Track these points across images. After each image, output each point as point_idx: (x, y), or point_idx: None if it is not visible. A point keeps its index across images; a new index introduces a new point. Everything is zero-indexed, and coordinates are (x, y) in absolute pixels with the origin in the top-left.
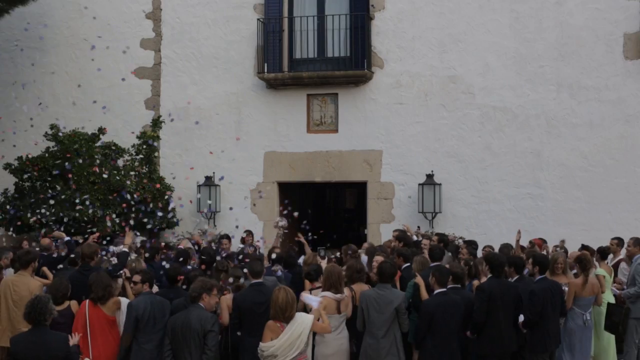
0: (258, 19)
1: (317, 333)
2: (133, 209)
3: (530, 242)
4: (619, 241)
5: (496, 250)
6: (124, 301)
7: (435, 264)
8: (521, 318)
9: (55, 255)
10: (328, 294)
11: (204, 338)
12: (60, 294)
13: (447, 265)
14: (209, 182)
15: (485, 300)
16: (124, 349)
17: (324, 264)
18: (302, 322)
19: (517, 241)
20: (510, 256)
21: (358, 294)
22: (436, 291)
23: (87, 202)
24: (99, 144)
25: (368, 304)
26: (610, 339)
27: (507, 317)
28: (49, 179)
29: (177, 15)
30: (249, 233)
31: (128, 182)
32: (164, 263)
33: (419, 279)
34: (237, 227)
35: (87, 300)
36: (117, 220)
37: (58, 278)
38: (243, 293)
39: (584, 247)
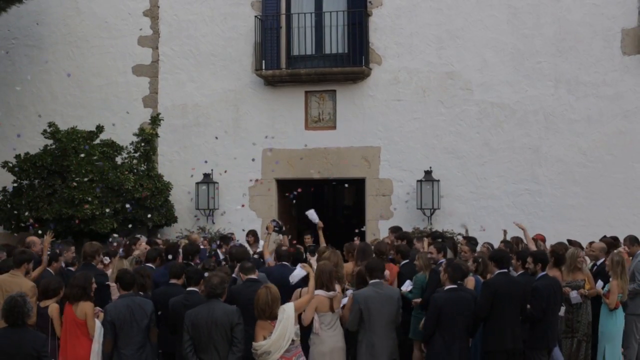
0: (256, 16)
1: (312, 332)
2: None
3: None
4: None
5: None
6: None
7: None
8: None
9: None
10: (320, 292)
11: (232, 331)
12: (51, 287)
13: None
14: (207, 179)
15: (491, 296)
16: (106, 355)
17: (313, 261)
18: (288, 312)
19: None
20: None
21: None
22: (447, 287)
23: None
24: (97, 141)
25: (368, 304)
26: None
27: (514, 313)
28: (46, 177)
29: (174, 12)
30: (253, 233)
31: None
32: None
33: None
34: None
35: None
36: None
37: (52, 275)
38: (237, 289)
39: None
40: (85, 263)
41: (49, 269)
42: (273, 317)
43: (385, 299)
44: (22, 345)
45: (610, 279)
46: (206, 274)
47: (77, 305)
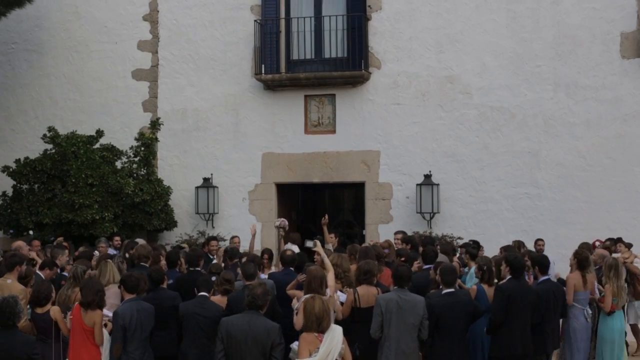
0: (255, 21)
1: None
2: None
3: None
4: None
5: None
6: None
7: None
8: None
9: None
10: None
11: (271, 350)
12: (42, 295)
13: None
14: (206, 183)
15: (505, 301)
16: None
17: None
18: (338, 333)
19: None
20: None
21: (365, 297)
22: (444, 291)
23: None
24: (97, 146)
25: (390, 309)
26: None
27: (524, 319)
28: (46, 182)
29: (174, 17)
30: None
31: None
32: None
33: None
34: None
35: (78, 304)
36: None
37: (41, 280)
38: (236, 295)
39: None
40: (138, 264)
41: (39, 272)
42: (325, 329)
43: (409, 304)
44: (12, 349)
45: (605, 284)
46: (213, 278)
47: (86, 312)
